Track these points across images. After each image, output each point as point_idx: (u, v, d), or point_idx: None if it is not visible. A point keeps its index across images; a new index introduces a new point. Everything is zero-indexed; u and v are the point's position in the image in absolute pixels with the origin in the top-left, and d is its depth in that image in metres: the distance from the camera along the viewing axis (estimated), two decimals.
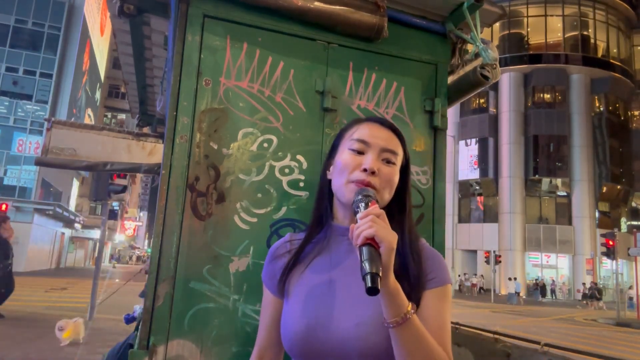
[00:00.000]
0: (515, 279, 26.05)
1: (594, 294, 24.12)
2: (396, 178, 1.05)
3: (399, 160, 1.07)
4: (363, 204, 0.92)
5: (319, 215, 1.12)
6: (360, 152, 1.04)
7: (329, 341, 0.94)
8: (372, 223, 0.85)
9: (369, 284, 0.79)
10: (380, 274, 0.81)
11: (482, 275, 29.66)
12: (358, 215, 0.89)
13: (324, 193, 1.12)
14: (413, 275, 0.97)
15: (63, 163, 3.95)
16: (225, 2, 1.54)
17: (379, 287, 0.80)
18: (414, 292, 0.96)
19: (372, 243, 0.84)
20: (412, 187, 1.62)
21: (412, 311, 0.87)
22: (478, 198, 32.75)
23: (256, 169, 1.50)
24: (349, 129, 1.11)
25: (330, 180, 1.09)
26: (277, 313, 1.07)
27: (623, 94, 32.78)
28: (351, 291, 0.98)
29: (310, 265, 1.06)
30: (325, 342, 0.94)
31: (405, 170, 1.10)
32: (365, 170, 1.01)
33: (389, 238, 0.85)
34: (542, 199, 31.27)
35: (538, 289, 28.31)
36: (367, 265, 0.81)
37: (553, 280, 29.91)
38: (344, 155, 1.06)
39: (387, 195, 1.04)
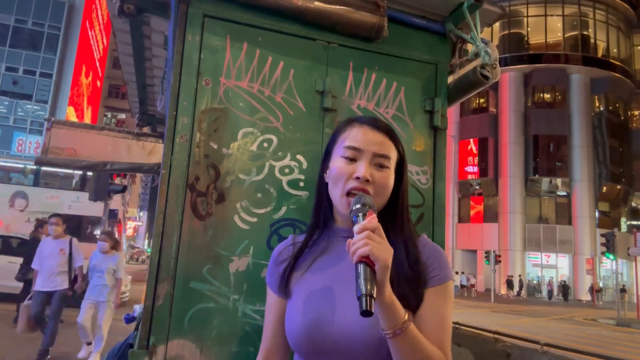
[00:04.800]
0: (462, 272, 28.21)
1: (511, 284, 28.39)
2: (391, 181, 1.05)
3: (392, 163, 1.06)
4: (361, 214, 0.91)
5: (318, 218, 1.12)
6: (352, 159, 1.04)
7: (333, 335, 0.95)
8: (367, 240, 0.84)
9: (363, 307, 0.80)
10: (375, 294, 0.81)
11: (471, 275, 29.40)
12: (354, 229, 0.89)
13: (322, 195, 1.11)
14: (410, 278, 0.97)
15: (63, 163, 3.96)
16: (225, 2, 1.54)
17: (373, 310, 0.80)
18: (414, 293, 0.96)
19: (367, 261, 0.84)
20: (412, 187, 1.63)
21: (409, 321, 0.87)
22: (478, 198, 32.75)
23: (256, 169, 1.50)
24: (342, 132, 1.10)
25: (327, 183, 1.09)
26: (282, 314, 1.07)
27: (623, 94, 32.76)
28: (353, 286, 0.98)
29: (312, 265, 1.07)
30: (330, 335, 0.95)
31: (400, 169, 1.09)
32: (358, 178, 1.01)
33: (384, 255, 0.84)
34: (542, 198, 31.25)
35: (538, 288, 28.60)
36: (362, 286, 0.81)
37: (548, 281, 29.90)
38: (336, 162, 1.06)
39: (381, 200, 1.04)
